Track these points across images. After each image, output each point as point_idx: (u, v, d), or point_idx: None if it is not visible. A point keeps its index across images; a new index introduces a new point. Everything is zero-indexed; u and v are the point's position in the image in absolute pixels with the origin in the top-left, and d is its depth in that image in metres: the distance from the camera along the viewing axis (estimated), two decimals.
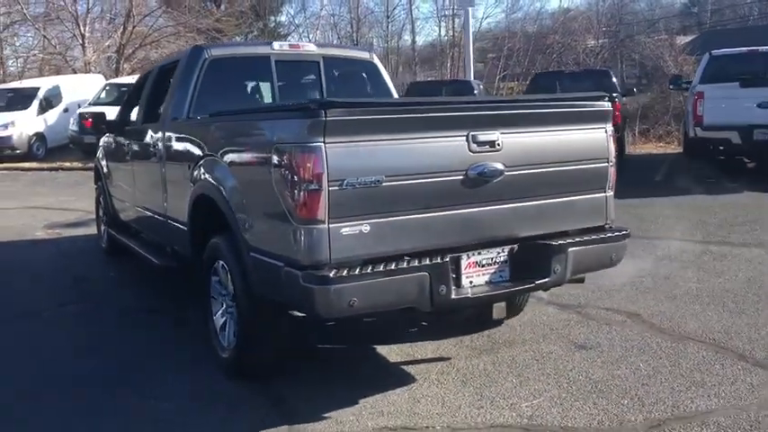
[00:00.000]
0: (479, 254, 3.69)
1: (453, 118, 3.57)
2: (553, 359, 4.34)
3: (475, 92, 14.93)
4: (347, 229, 3.27)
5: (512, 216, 3.76)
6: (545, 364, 4.27)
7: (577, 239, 3.91)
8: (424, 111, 3.49)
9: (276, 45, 5.52)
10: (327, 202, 3.20)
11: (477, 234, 3.68)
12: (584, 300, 5.53)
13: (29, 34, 29.51)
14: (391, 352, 4.53)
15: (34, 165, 15.99)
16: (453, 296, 3.49)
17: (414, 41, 42.71)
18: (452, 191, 3.53)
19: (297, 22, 42.39)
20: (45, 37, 27.52)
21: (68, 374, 4.33)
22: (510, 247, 3.78)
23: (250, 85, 5.57)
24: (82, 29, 26.72)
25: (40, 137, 17.32)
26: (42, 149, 16.85)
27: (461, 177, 3.52)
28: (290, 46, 5.59)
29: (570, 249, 3.83)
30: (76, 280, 6.52)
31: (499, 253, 3.76)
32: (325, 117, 3.16)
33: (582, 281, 4.47)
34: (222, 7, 38.55)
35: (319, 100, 3.19)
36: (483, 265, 3.71)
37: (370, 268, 3.28)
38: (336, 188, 3.21)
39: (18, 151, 16.58)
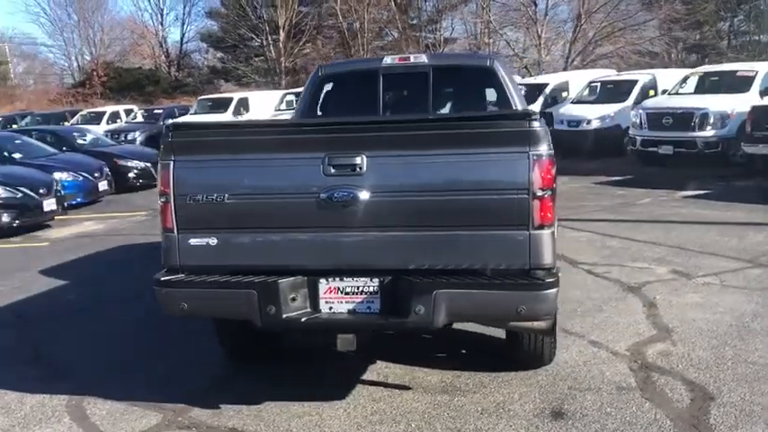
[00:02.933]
0: (342, 280, 3.52)
1: (306, 140, 3.49)
2: (495, 419, 3.72)
3: None
4: (195, 239, 3.59)
5: (384, 245, 3.45)
6: (478, 421, 3.70)
7: (453, 280, 3.33)
8: (273, 133, 3.51)
9: (388, 59, 5.66)
10: (175, 213, 3.58)
11: (339, 260, 3.50)
12: (683, 365, 4.31)
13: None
14: (378, 370, 4.46)
15: None
16: (284, 316, 3.46)
17: None
18: (305, 214, 3.46)
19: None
20: (506, 41, 30.18)
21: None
22: (381, 278, 3.48)
23: (356, 98, 5.83)
24: (539, 30, 28.51)
25: None
26: None
27: (314, 200, 3.43)
28: (400, 59, 5.64)
29: (439, 291, 3.30)
30: None
31: (367, 283, 3.50)
32: (171, 138, 3.55)
33: (547, 332, 3.73)
34: None
35: (172, 123, 3.55)
36: (347, 293, 3.52)
37: (202, 278, 3.55)
38: (182, 202, 3.56)
39: None
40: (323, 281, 3.53)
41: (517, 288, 3.31)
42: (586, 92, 17.84)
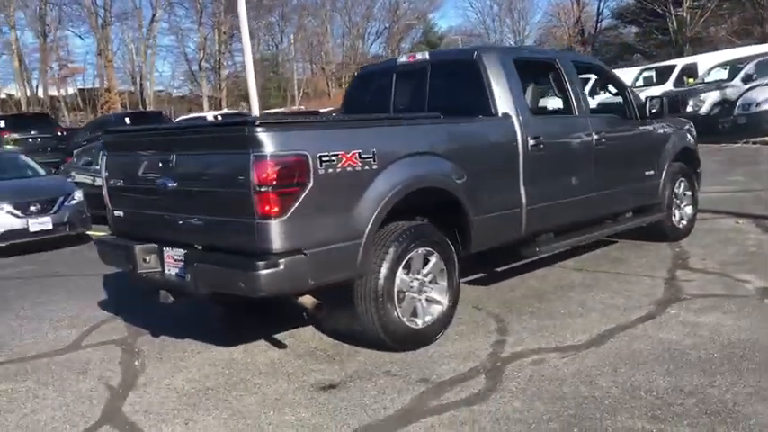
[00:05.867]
0: (173, 250, 4.53)
1: (151, 141, 4.63)
2: (272, 378, 4.24)
3: None
4: (117, 212, 5.04)
5: (182, 224, 4.41)
6: (256, 379, 4.29)
7: (203, 255, 4.14)
8: (139, 136, 4.70)
9: (402, 58, 5.95)
10: (108, 194, 5.06)
11: (169, 235, 4.55)
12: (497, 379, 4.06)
13: None
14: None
15: None
16: (138, 272, 4.64)
17: None
18: (152, 197, 4.59)
19: None
20: None
21: None
22: (186, 250, 4.38)
23: (378, 95, 6.12)
24: None
25: None
26: None
27: (154, 187, 4.52)
28: (408, 57, 5.84)
29: (196, 263, 4.13)
30: None
31: (182, 253, 4.43)
32: (102, 139, 5.05)
33: (315, 310, 4.22)
34: None
35: (107, 128, 4.99)
36: (176, 260, 4.52)
37: (109, 239, 4.99)
38: (108, 183, 5.03)
39: None
40: (165, 249, 4.61)
41: (234, 266, 3.96)
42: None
